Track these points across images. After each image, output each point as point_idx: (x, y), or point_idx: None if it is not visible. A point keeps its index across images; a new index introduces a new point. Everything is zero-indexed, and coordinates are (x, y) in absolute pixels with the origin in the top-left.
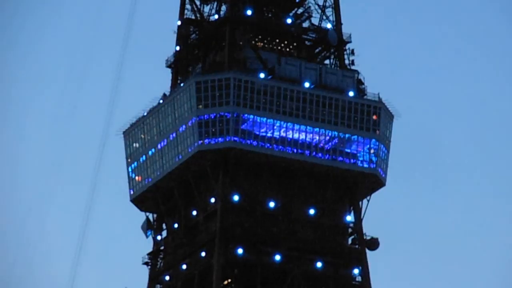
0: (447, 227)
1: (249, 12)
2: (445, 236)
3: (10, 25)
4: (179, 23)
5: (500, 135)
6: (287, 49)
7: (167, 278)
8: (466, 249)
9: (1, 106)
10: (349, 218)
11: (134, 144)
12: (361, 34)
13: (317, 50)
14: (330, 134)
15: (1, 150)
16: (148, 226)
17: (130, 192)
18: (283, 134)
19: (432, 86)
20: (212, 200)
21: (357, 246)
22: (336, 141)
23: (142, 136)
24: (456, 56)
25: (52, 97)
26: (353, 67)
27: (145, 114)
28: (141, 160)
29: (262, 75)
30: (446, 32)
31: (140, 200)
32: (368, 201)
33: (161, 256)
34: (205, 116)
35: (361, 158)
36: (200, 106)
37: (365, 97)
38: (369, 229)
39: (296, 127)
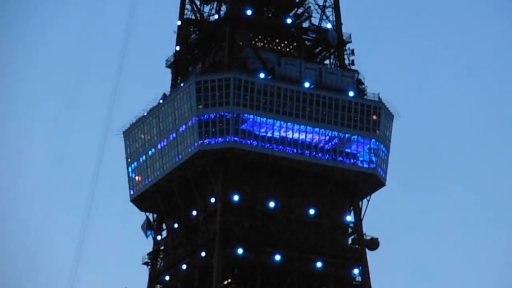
0: (447, 227)
1: (249, 12)
2: (445, 235)
3: (12, 25)
4: (179, 23)
5: (500, 135)
6: (287, 49)
7: (167, 278)
8: (466, 249)
9: (3, 106)
10: (349, 218)
11: (134, 144)
12: (361, 34)
13: (317, 50)
14: (330, 134)
15: (4, 150)
16: (148, 226)
17: (130, 192)
18: (283, 134)
19: (432, 86)
20: (212, 200)
21: (357, 246)
22: (336, 141)
23: (142, 136)
24: (456, 56)
25: (52, 97)
26: (353, 67)
27: (145, 114)
28: (141, 160)
29: (262, 75)
30: (446, 32)
31: (140, 200)
32: (368, 201)
33: (161, 256)
34: (205, 116)
35: (361, 158)
36: (200, 106)
37: (365, 97)
38: (369, 229)
39: (296, 127)
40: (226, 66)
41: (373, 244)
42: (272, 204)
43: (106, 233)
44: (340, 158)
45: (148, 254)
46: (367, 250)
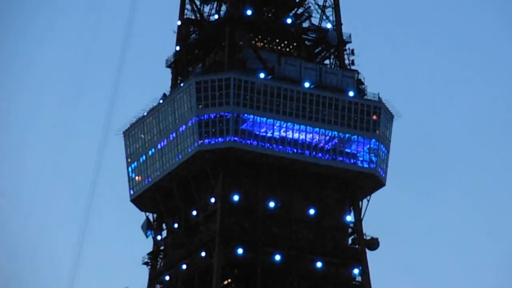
0: (447, 227)
1: (249, 12)
2: (445, 236)
3: (13, 26)
4: (179, 23)
5: (500, 134)
6: (287, 49)
7: (167, 278)
8: (466, 249)
9: (4, 106)
10: (349, 218)
11: (134, 144)
12: (361, 34)
13: (317, 50)
14: (330, 134)
15: (4, 150)
16: (148, 226)
17: (130, 192)
18: (283, 134)
19: (432, 86)
20: (212, 200)
21: (357, 246)
22: (336, 141)
23: (142, 136)
24: (456, 57)
25: (53, 97)
26: (353, 67)
27: (145, 114)
28: (141, 160)
29: (262, 75)
30: (446, 32)
31: (140, 200)
32: (368, 201)
33: (161, 256)
34: (205, 116)
35: (361, 158)
36: (200, 106)
37: (365, 97)
38: (369, 229)
39: (296, 127)
40: (226, 66)
41: (373, 244)
42: (272, 204)
43: (106, 233)
44: (340, 158)
45: (148, 254)
46: (367, 250)
